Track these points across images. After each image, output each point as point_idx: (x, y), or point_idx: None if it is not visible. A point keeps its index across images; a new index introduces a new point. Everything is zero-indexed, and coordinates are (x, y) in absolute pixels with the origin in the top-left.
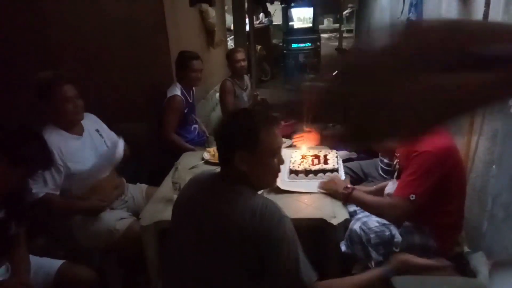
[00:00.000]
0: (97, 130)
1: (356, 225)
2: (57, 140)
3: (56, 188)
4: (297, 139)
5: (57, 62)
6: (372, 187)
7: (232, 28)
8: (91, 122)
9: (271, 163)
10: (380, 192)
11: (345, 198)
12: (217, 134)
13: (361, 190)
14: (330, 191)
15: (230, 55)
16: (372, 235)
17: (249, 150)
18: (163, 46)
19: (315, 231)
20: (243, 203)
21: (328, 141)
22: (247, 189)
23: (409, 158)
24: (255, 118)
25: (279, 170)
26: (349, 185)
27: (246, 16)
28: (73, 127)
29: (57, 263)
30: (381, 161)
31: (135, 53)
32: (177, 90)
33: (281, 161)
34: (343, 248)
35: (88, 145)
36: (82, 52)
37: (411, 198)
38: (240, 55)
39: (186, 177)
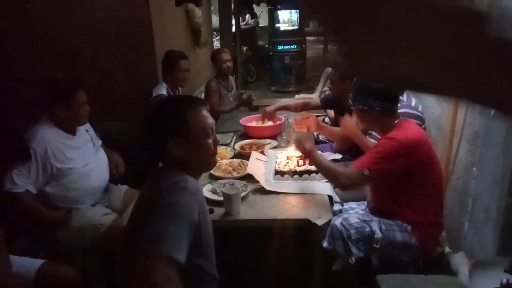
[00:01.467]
0: (87, 130)
1: (337, 221)
2: (52, 138)
3: (35, 186)
4: (297, 124)
5: (41, 61)
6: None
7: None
8: None
9: (206, 144)
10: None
11: (306, 155)
12: (146, 126)
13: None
14: (296, 144)
15: (216, 56)
16: (352, 231)
17: (181, 135)
18: (149, 45)
19: (300, 231)
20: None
21: (323, 130)
22: (183, 175)
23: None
24: (180, 103)
25: (215, 151)
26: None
27: (232, 17)
28: (70, 126)
29: (37, 262)
30: None
31: (120, 52)
32: (163, 90)
33: (216, 141)
34: (324, 244)
35: (79, 145)
36: (67, 51)
37: (365, 173)
38: (226, 56)
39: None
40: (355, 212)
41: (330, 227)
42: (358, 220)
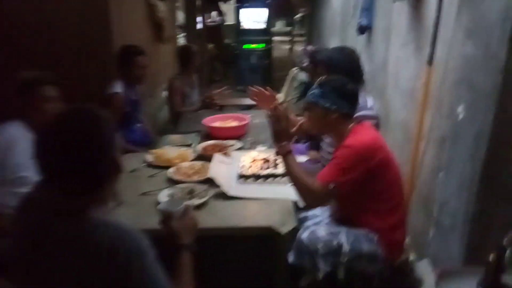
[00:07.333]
0: None
1: (304, 235)
2: (21, 139)
3: None
4: (256, 99)
5: None
6: None
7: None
8: None
9: None
10: None
11: (279, 153)
12: (95, 143)
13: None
14: (273, 128)
15: (186, 51)
16: (320, 245)
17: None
18: (105, 38)
19: (263, 240)
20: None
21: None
22: (99, 216)
23: (338, 149)
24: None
25: None
26: (290, 145)
27: (199, 13)
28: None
29: None
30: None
31: (74, 45)
32: (118, 87)
33: None
34: (290, 259)
35: None
36: (13, 42)
37: (330, 187)
38: (195, 52)
39: (124, 181)
40: (320, 221)
41: (296, 241)
42: (325, 233)
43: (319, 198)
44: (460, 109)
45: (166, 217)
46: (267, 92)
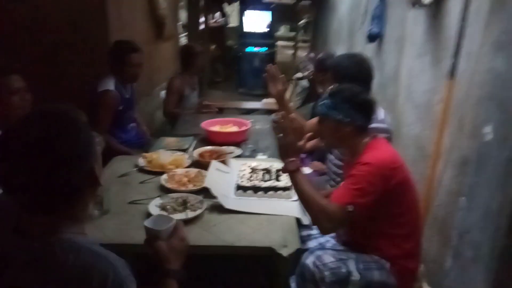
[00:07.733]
0: None
1: (309, 260)
2: None
3: None
4: (268, 79)
5: None
6: None
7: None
8: None
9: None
10: None
11: (287, 170)
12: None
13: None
14: (280, 142)
15: (189, 50)
16: (326, 273)
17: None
18: (102, 33)
19: (262, 262)
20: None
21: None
22: (71, 237)
23: (352, 167)
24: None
25: None
26: (299, 160)
27: (202, 14)
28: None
29: None
30: (331, 161)
31: (69, 39)
32: (110, 84)
33: None
34: (292, 286)
35: None
36: (11, 37)
37: (349, 209)
38: (199, 52)
39: (111, 187)
40: (326, 241)
41: (300, 266)
42: (333, 259)
43: (336, 222)
44: (488, 130)
45: (152, 236)
46: (280, 83)
